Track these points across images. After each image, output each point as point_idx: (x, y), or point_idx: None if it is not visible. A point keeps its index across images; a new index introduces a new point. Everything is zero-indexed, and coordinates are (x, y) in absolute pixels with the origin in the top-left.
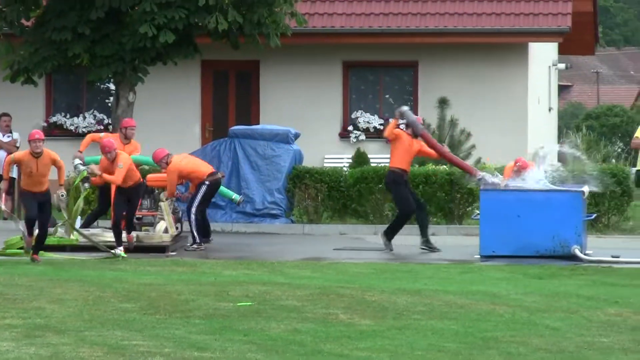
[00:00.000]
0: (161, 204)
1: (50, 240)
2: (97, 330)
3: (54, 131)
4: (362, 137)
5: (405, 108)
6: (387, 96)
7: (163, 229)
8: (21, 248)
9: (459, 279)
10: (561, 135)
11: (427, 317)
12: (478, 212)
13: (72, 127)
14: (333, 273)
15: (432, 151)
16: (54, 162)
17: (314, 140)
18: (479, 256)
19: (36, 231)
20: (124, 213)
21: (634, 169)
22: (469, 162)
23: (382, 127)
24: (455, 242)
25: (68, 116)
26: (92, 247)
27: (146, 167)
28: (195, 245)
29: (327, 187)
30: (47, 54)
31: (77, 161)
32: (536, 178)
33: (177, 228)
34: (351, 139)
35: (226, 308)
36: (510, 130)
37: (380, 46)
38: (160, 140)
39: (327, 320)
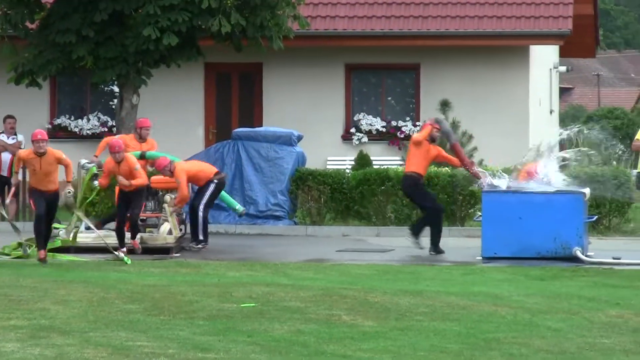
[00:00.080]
0: (165, 205)
1: (55, 243)
2: (102, 331)
3: (58, 133)
4: (365, 139)
5: (441, 117)
6: (389, 98)
7: (167, 230)
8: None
9: (461, 281)
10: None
11: (430, 318)
12: (480, 214)
13: (76, 129)
14: (336, 274)
15: (452, 158)
16: (60, 161)
17: (317, 142)
18: (480, 258)
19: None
20: (128, 215)
21: (634, 171)
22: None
23: (384, 130)
24: (457, 243)
25: (72, 118)
26: (95, 249)
27: (150, 169)
28: (200, 245)
29: (330, 189)
30: (52, 56)
31: (84, 160)
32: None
33: (180, 230)
34: (354, 141)
35: (230, 309)
36: (511, 133)
37: (383, 49)
38: (164, 143)
39: (330, 321)
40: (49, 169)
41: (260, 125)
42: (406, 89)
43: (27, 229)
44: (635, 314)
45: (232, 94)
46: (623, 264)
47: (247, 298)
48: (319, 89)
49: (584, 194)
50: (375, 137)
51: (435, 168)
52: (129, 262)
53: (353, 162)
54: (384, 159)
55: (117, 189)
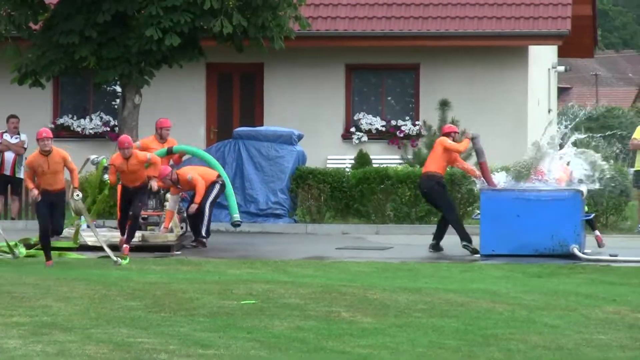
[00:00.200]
0: (166, 203)
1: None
2: (103, 328)
3: (61, 133)
4: (365, 138)
5: (479, 134)
6: (389, 98)
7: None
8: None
9: (459, 278)
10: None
11: (428, 315)
12: (478, 211)
13: (79, 129)
14: (335, 272)
15: (467, 167)
16: (65, 162)
17: (317, 141)
18: (479, 255)
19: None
20: (130, 213)
21: (632, 170)
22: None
23: (384, 129)
24: (455, 241)
25: (75, 118)
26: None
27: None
28: (204, 240)
29: (330, 188)
30: (55, 57)
31: (93, 156)
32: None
33: (182, 227)
34: (354, 140)
35: (230, 306)
36: (510, 132)
37: (383, 49)
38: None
39: (330, 318)
40: (56, 168)
41: (261, 125)
42: (406, 89)
43: (29, 227)
44: (632, 311)
45: (234, 94)
46: (620, 261)
47: (247, 295)
48: (319, 88)
49: (581, 191)
50: (375, 136)
51: None
52: (126, 261)
53: (353, 161)
54: (384, 157)
55: (119, 187)
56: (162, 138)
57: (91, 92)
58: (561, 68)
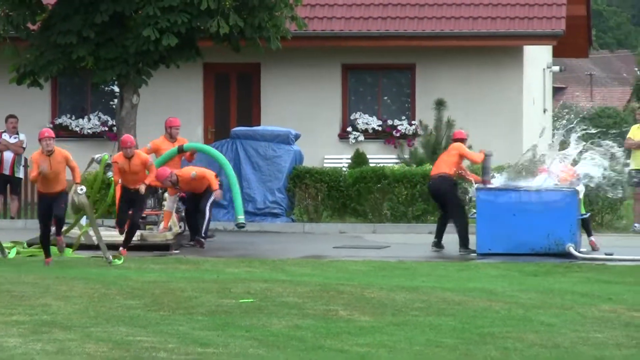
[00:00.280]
0: (164, 203)
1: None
2: (103, 327)
3: (59, 132)
4: (361, 138)
5: (492, 154)
6: (385, 98)
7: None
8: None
9: (456, 277)
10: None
11: (425, 314)
12: (475, 211)
13: (77, 129)
14: (333, 271)
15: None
16: (67, 161)
17: (314, 141)
18: (475, 254)
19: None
20: (130, 219)
21: (626, 169)
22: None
23: (380, 128)
24: (452, 240)
25: (73, 118)
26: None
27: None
28: (202, 240)
29: (327, 187)
30: (53, 57)
31: (97, 155)
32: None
33: (180, 227)
34: (350, 139)
35: (228, 305)
36: (505, 131)
37: (379, 49)
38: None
39: (327, 317)
40: (58, 168)
41: (259, 125)
42: (402, 89)
43: (29, 226)
44: (627, 309)
45: (231, 94)
46: (615, 259)
47: (245, 294)
48: (316, 88)
49: (577, 191)
50: (371, 135)
51: (431, 166)
52: (119, 261)
53: (350, 161)
54: (380, 157)
55: (118, 188)
56: (172, 137)
57: (89, 92)
58: (556, 68)
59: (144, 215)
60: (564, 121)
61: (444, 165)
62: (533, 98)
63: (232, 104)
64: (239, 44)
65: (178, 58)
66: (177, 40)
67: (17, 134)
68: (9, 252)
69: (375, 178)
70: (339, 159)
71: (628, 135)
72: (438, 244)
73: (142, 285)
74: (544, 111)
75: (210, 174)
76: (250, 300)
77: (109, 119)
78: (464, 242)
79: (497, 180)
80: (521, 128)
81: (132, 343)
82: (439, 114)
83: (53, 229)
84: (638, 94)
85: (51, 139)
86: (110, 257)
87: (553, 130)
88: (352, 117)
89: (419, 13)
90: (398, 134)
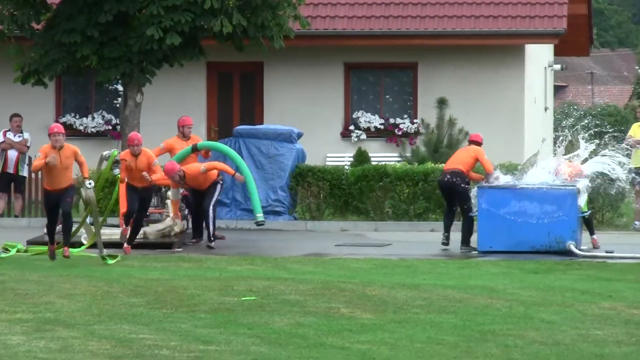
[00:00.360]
0: (167, 201)
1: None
2: (106, 324)
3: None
4: (363, 136)
5: (497, 175)
6: (387, 96)
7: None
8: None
9: (457, 274)
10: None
11: (426, 311)
12: (476, 209)
13: (81, 127)
14: (335, 268)
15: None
16: (76, 156)
17: (317, 139)
18: (476, 251)
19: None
20: (134, 216)
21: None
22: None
23: (382, 127)
24: (453, 237)
25: (77, 116)
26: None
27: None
28: (212, 243)
29: (329, 185)
30: (57, 56)
31: (106, 152)
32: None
33: (183, 225)
34: (352, 138)
35: (231, 302)
36: (507, 129)
37: (381, 48)
38: None
39: (329, 314)
40: (67, 163)
41: (261, 123)
42: (404, 88)
43: (33, 224)
44: (628, 307)
45: (234, 93)
46: (616, 257)
47: (247, 291)
48: (318, 87)
49: (577, 188)
50: (373, 134)
51: (432, 164)
52: (112, 261)
53: (352, 159)
54: (382, 155)
55: (122, 186)
56: (184, 136)
57: (93, 91)
58: (557, 66)
59: (147, 213)
60: (570, 120)
61: (457, 162)
62: (534, 96)
63: (235, 103)
64: (242, 43)
65: (182, 57)
66: (181, 39)
67: (22, 132)
68: (9, 252)
69: (377, 176)
70: (341, 157)
71: (629, 133)
72: (449, 238)
73: (145, 283)
74: (545, 109)
75: (220, 164)
76: (252, 298)
77: (113, 117)
78: (465, 239)
79: (501, 179)
80: (522, 126)
81: (134, 341)
82: (441, 113)
83: (58, 227)
84: (639, 92)
85: (61, 134)
86: (104, 252)
87: (555, 132)
88: (354, 116)
89: (421, 12)
90: (400, 133)
